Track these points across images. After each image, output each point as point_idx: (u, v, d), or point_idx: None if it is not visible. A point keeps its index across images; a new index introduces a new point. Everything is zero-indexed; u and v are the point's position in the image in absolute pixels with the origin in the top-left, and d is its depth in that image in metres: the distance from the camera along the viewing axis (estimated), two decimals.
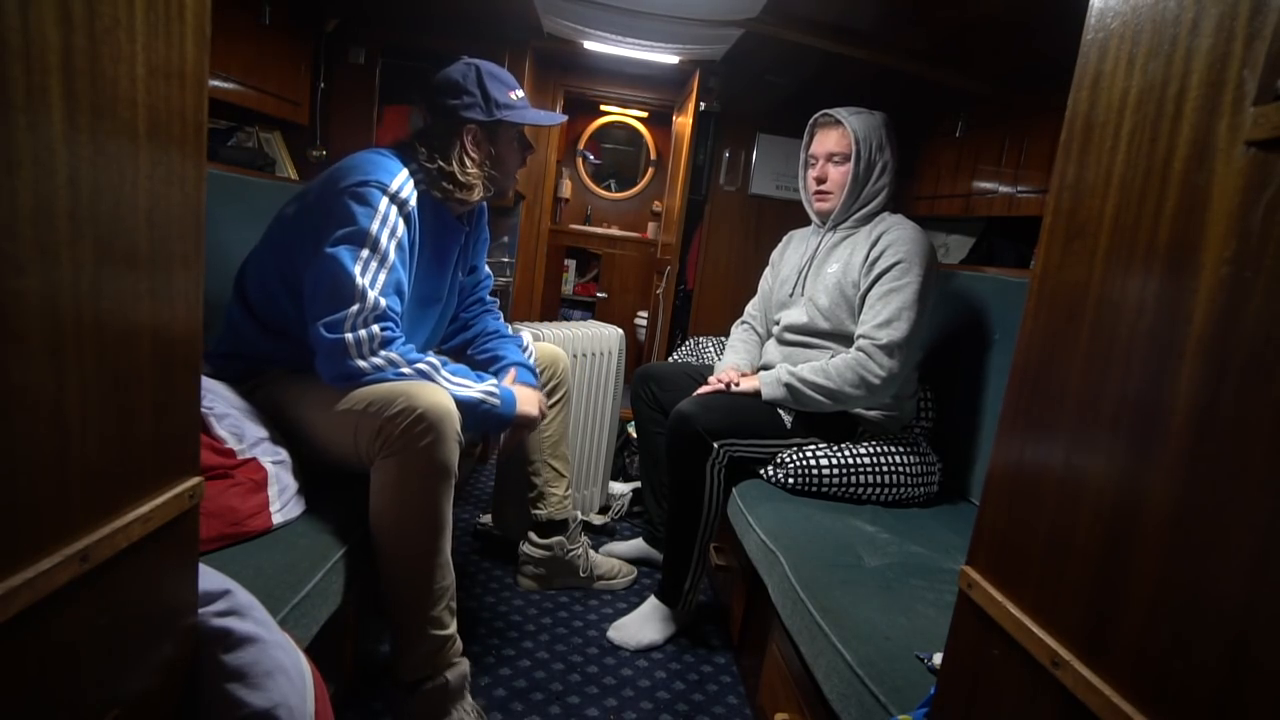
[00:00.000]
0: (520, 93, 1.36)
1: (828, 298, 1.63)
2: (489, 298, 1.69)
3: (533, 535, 1.78)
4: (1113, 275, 0.55)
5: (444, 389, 1.20)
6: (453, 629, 1.23)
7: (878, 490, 1.54)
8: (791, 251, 1.85)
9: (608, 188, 5.02)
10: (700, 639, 1.71)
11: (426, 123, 1.35)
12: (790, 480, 1.52)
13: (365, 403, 1.13)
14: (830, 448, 1.56)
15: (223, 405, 1.14)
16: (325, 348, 1.14)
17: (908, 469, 1.56)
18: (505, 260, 2.92)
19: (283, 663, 0.77)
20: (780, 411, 1.61)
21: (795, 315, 1.71)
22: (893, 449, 1.57)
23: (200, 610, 0.74)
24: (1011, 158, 1.91)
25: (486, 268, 1.68)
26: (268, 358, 1.29)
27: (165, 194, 0.59)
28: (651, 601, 1.69)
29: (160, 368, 0.62)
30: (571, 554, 1.81)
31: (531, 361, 1.59)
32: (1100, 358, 0.55)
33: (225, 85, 1.93)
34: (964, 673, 0.69)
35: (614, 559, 1.95)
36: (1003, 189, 1.94)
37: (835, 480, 1.52)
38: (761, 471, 1.59)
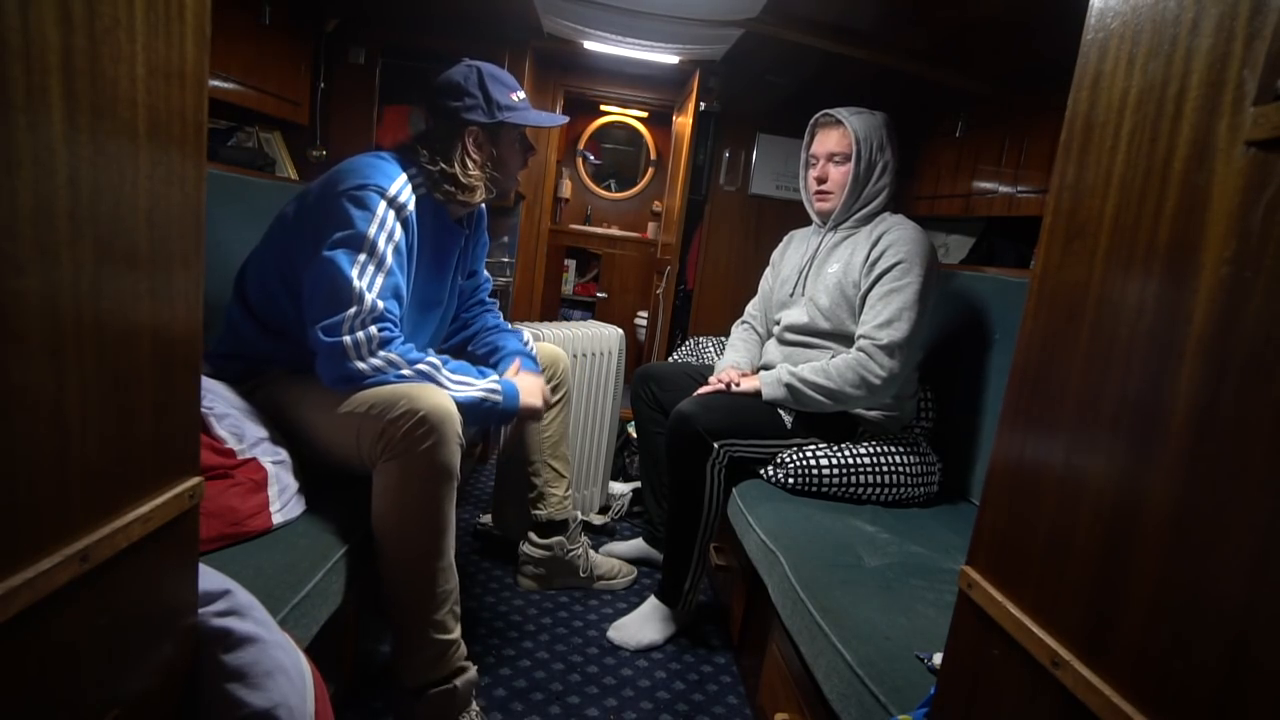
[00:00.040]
0: (521, 94, 1.36)
1: (828, 298, 1.63)
2: (488, 299, 1.70)
3: (533, 535, 1.78)
4: (1113, 275, 0.55)
5: (446, 391, 1.20)
6: (456, 633, 1.23)
7: (878, 490, 1.54)
8: (792, 251, 1.85)
9: (608, 188, 5.02)
10: (700, 639, 1.71)
11: (428, 125, 1.35)
12: (790, 480, 1.52)
13: (367, 405, 1.13)
14: (830, 448, 1.56)
15: (223, 405, 1.14)
16: (324, 351, 1.14)
17: (908, 469, 1.56)
18: (505, 260, 2.92)
19: (283, 663, 0.77)
20: (780, 412, 1.61)
21: (796, 315, 1.71)
22: (893, 449, 1.57)
23: (200, 610, 0.74)
24: (1011, 158, 1.91)
25: (485, 271, 1.69)
26: (268, 358, 1.29)
27: (165, 194, 0.59)
28: (651, 601, 1.69)
29: (160, 368, 0.62)
30: (571, 554, 1.81)
31: (532, 352, 1.60)
32: (1100, 358, 0.55)
33: (225, 85, 1.93)
34: (964, 673, 0.69)
35: (614, 559, 1.95)
36: (1003, 189, 1.94)
37: (835, 480, 1.52)
38: (761, 471, 1.59)
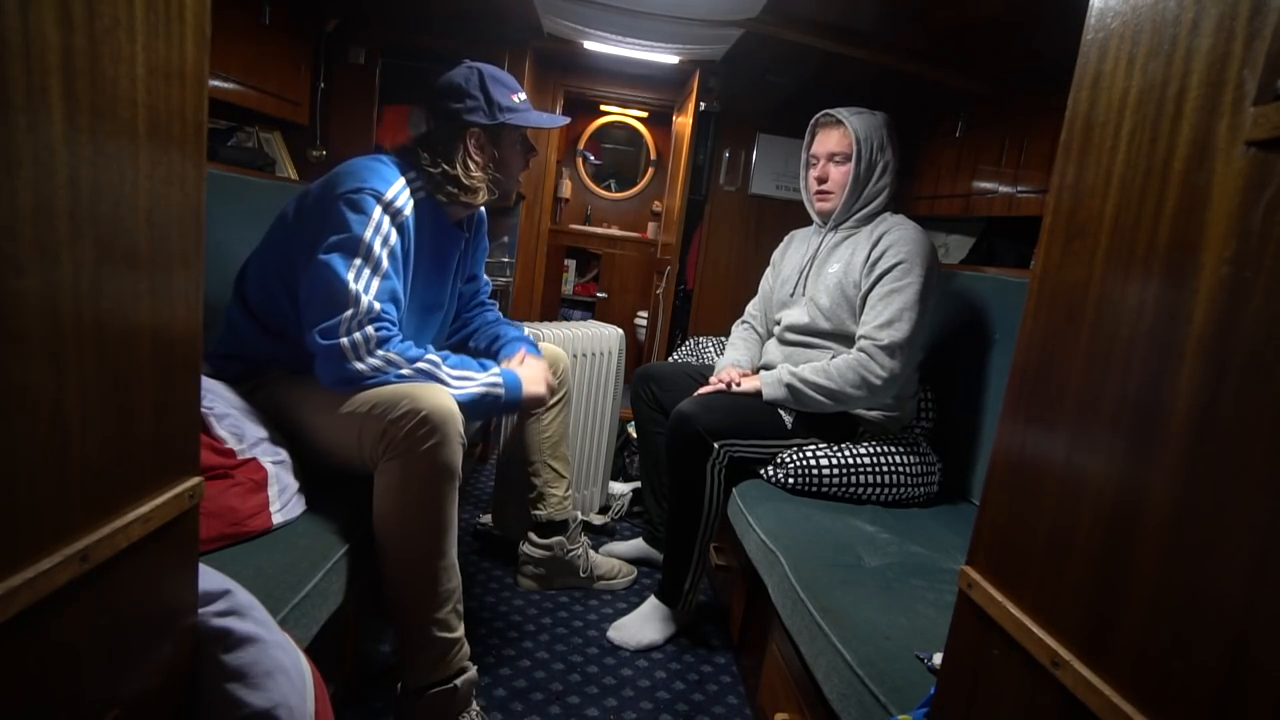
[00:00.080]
0: (522, 95, 1.36)
1: (829, 298, 1.63)
2: (488, 299, 1.71)
3: (533, 535, 1.78)
4: (1113, 275, 0.55)
5: (448, 389, 1.20)
6: (459, 632, 1.23)
7: (878, 490, 1.54)
8: (793, 251, 1.85)
9: (608, 188, 5.02)
10: (700, 639, 1.71)
11: (429, 127, 1.35)
12: (790, 480, 1.52)
13: (369, 405, 1.14)
14: (830, 448, 1.56)
15: (223, 405, 1.14)
16: (322, 353, 1.14)
17: (908, 469, 1.56)
18: (505, 260, 2.92)
19: (283, 663, 0.77)
20: (781, 412, 1.61)
21: (796, 315, 1.71)
22: (893, 449, 1.57)
23: (200, 610, 0.74)
24: (1011, 158, 1.91)
25: (485, 276, 1.70)
26: (268, 358, 1.29)
27: (165, 194, 0.59)
28: (651, 601, 1.69)
29: (160, 368, 0.62)
30: (571, 554, 1.81)
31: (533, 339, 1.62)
32: (1100, 358, 0.55)
33: (225, 85, 1.93)
34: (964, 673, 0.69)
35: (614, 559, 1.95)
36: (1003, 189, 1.94)
37: (835, 480, 1.52)
38: (761, 471, 1.59)
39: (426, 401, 1.12)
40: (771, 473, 1.56)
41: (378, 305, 1.15)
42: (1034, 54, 1.70)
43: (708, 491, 1.57)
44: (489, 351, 1.60)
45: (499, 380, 1.31)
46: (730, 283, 2.77)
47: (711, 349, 2.24)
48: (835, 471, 1.52)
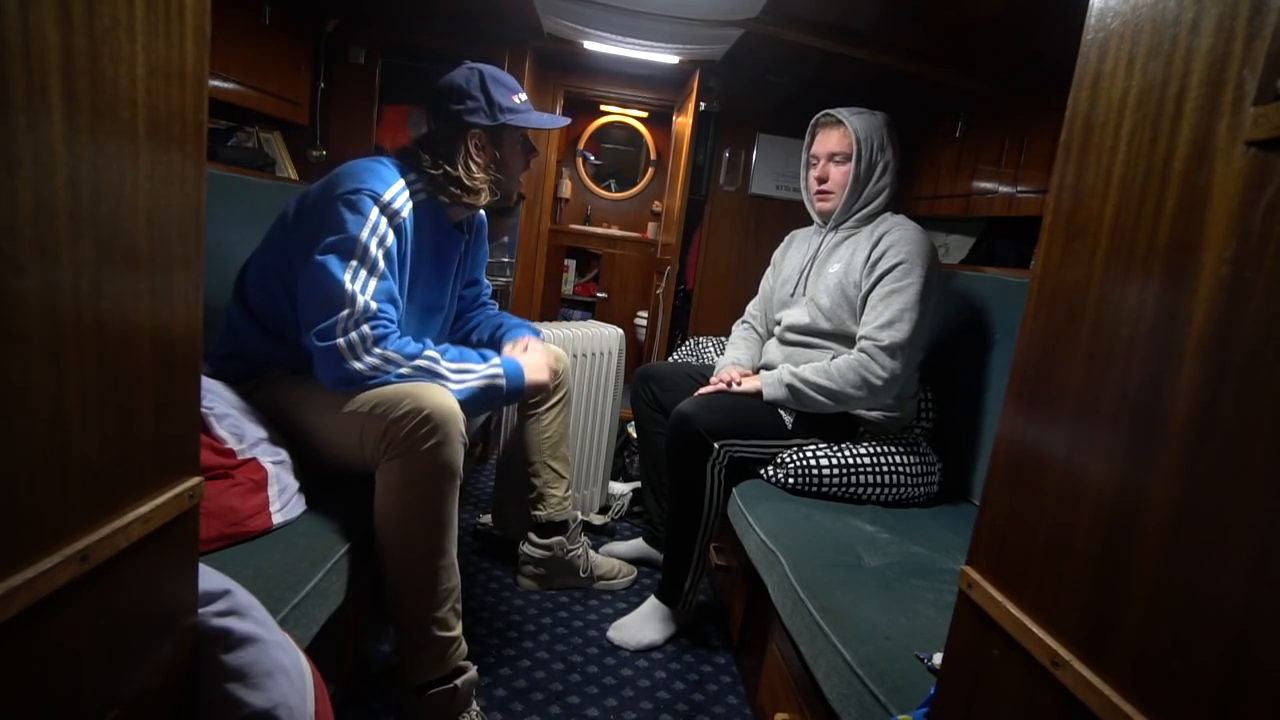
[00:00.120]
0: (523, 96, 1.37)
1: (829, 298, 1.63)
2: (489, 300, 1.72)
3: (533, 535, 1.78)
4: (1113, 275, 0.55)
5: (449, 386, 1.21)
6: (458, 631, 1.23)
7: (878, 490, 1.54)
8: (793, 251, 1.85)
9: (608, 188, 5.02)
10: (700, 639, 1.71)
11: (430, 128, 1.35)
12: (790, 480, 1.52)
13: (371, 405, 1.14)
14: (830, 448, 1.56)
15: (223, 405, 1.14)
16: (320, 355, 1.14)
17: (908, 469, 1.56)
18: (505, 260, 2.92)
19: (283, 663, 0.77)
20: (781, 412, 1.61)
21: (797, 315, 1.71)
22: (893, 449, 1.57)
23: (200, 610, 0.74)
24: (1011, 158, 1.91)
25: (486, 279, 1.71)
26: (268, 359, 1.29)
27: (165, 194, 0.59)
28: (651, 601, 1.69)
29: (160, 368, 0.62)
30: (571, 554, 1.81)
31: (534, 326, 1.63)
32: (1100, 358, 0.55)
33: (225, 85, 1.93)
34: (964, 673, 0.69)
35: (614, 559, 1.95)
36: (1003, 189, 1.94)
37: (835, 480, 1.52)
38: (762, 471, 1.59)
39: (428, 401, 1.12)
40: (771, 473, 1.56)
41: (374, 305, 1.15)
42: (1034, 54, 1.70)
43: (708, 491, 1.57)
44: (492, 340, 1.60)
45: (499, 371, 1.31)
46: (730, 283, 2.77)
47: (711, 349, 2.24)
48: (835, 471, 1.52)
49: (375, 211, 1.18)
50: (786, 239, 1.93)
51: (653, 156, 4.89)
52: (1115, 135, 0.56)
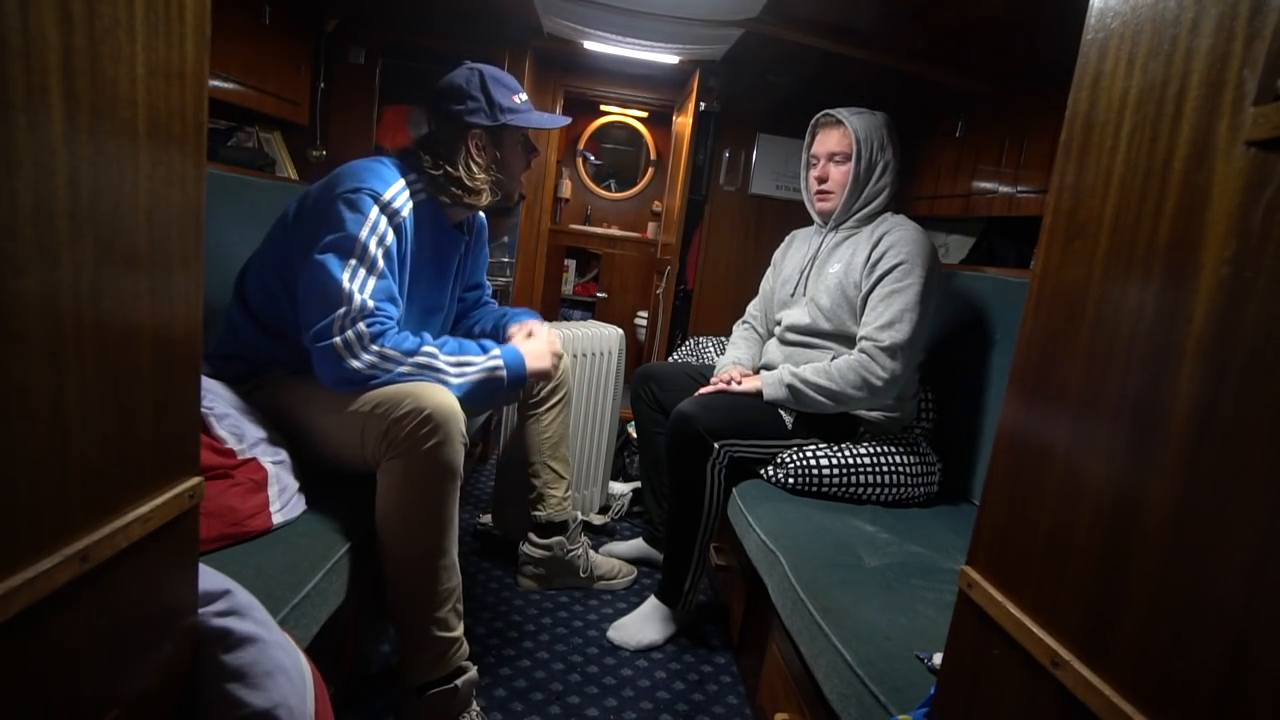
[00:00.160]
0: (523, 96, 1.36)
1: (829, 298, 1.63)
2: (489, 300, 1.72)
3: (533, 535, 1.78)
4: (1113, 275, 0.55)
5: (450, 382, 1.20)
6: (459, 631, 1.23)
7: (878, 490, 1.54)
8: (794, 251, 1.85)
9: (608, 188, 5.02)
10: (700, 639, 1.71)
11: (430, 128, 1.35)
12: (790, 480, 1.52)
13: (372, 404, 1.14)
14: (830, 448, 1.56)
15: (223, 405, 1.14)
16: (318, 355, 1.14)
17: (908, 469, 1.56)
18: (505, 260, 2.92)
19: (283, 663, 0.77)
20: (781, 412, 1.61)
21: (797, 315, 1.71)
22: (892, 449, 1.57)
23: (200, 610, 0.74)
24: (1011, 158, 1.91)
25: (487, 281, 1.71)
26: (267, 359, 1.29)
27: (165, 194, 0.59)
28: (651, 601, 1.69)
29: (160, 368, 0.62)
30: (571, 554, 1.81)
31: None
32: (1100, 358, 0.55)
33: (225, 85, 1.93)
34: (964, 673, 0.69)
35: (614, 559, 1.95)
36: (1003, 189, 1.94)
37: (835, 480, 1.52)
38: (762, 471, 1.59)
39: (429, 400, 1.12)
40: (771, 473, 1.56)
41: (371, 302, 1.15)
42: (1034, 54, 1.70)
43: (708, 491, 1.57)
44: (495, 330, 1.60)
45: (500, 363, 1.30)
46: (730, 283, 2.77)
47: (711, 349, 2.24)
48: (835, 472, 1.52)
49: (375, 211, 1.18)
50: (787, 239, 1.93)
51: (653, 156, 4.89)
52: (1115, 135, 0.56)
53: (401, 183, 1.25)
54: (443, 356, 1.23)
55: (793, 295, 1.74)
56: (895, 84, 2.17)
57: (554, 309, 4.67)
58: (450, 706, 1.23)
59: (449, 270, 1.45)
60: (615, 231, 4.84)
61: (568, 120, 1.56)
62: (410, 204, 1.25)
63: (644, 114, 4.78)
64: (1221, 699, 0.43)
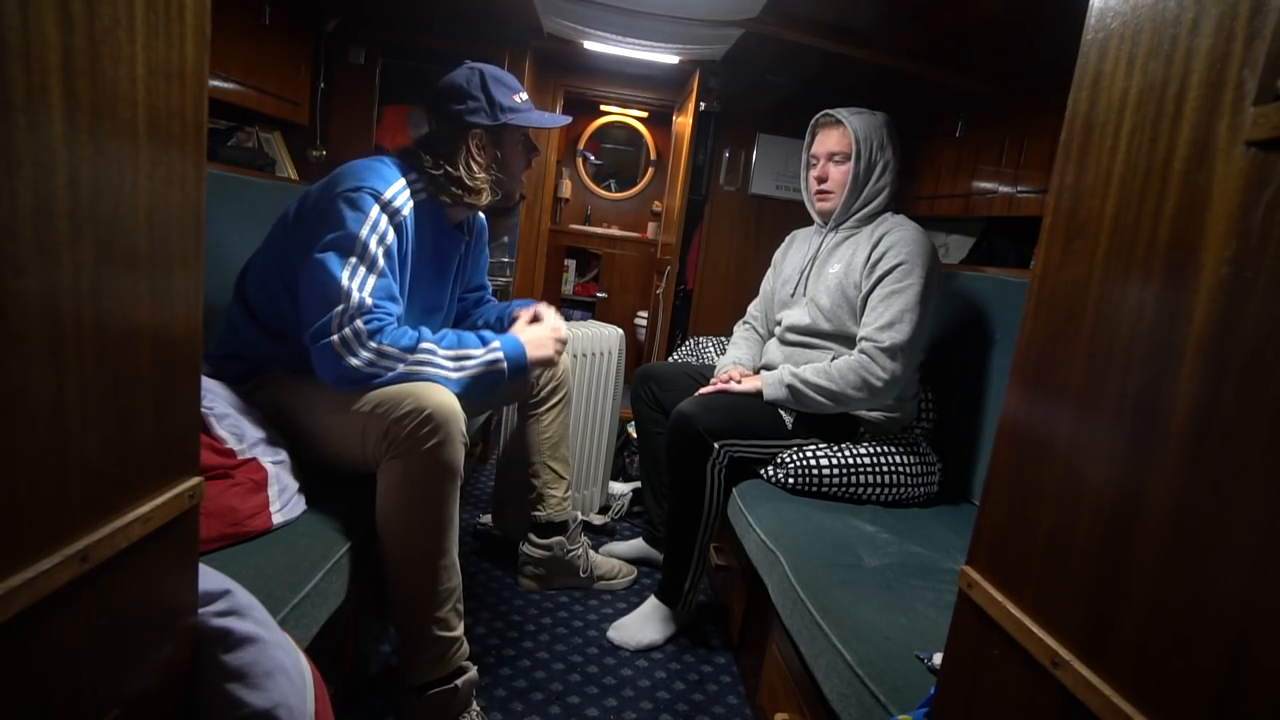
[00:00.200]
0: (524, 95, 1.36)
1: (829, 298, 1.63)
2: (491, 299, 1.73)
3: (533, 536, 1.78)
4: (1113, 275, 0.55)
5: (450, 378, 1.20)
6: (459, 631, 1.23)
7: (878, 490, 1.54)
8: (794, 252, 1.85)
9: (608, 188, 5.02)
10: (700, 639, 1.71)
11: (431, 128, 1.35)
12: (790, 480, 1.52)
13: (372, 404, 1.14)
14: (830, 448, 1.56)
15: (222, 405, 1.14)
16: (317, 353, 1.14)
17: (908, 469, 1.56)
18: (505, 260, 2.92)
19: (283, 663, 0.77)
20: (781, 412, 1.61)
21: (797, 316, 1.71)
22: (892, 449, 1.57)
23: (200, 610, 0.74)
24: (1011, 158, 1.91)
25: (488, 282, 1.72)
26: (267, 359, 1.29)
27: (165, 194, 0.59)
28: (651, 601, 1.69)
29: (160, 368, 0.62)
30: (571, 554, 1.81)
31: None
32: (1100, 358, 0.55)
33: (225, 85, 1.93)
34: (964, 673, 0.69)
35: (614, 559, 1.95)
36: (1003, 189, 1.94)
37: (835, 480, 1.52)
38: (762, 471, 1.59)
39: (429, 400, 1.12)
40: (771, 473, 1.56)
41: (370, 300, 1.15)
42: (1034, 54, 1.70)
43: (708, 491, 1.57)
44: (499, 322, 1.60)
45: (499, 355, 1.29)
46: (730, 283, 2.77)
47: (711, 349, 2.24)
48: (835, 472, 1.52)
49: (376, 209, 1.18)
50: (787, 239, 1.93)
51: (653, 156, 4.89)
52: (1115, 135, 0.56)
53: (402, 182, 1.25)
54: (441, 351, 1.22)
55: (793, 295, 1.74)
56: (895, 84, 2.17)
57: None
58: (450, 706, 1.23)
59: (449, 270, 1.45)
60: (615, 231, 4.84)
61: (568, 119, 1.56)
62: (411, 203, 1.25)
63: (644, 114, 4.78)
64: (1221, 699, 0.43)
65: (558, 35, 2.47)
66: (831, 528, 1.36)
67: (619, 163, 5.04)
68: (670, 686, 1.52)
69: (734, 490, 1.59)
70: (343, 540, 1.12)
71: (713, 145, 2.71)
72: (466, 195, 1.32)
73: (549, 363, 1.43)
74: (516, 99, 1.34)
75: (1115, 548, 0.52)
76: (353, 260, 1.14)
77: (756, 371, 1.77)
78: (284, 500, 1.10)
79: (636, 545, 2.06)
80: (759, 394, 1.61)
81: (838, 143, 1.64)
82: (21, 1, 0.44)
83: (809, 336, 1.68)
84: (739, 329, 1.95)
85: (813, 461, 1.52)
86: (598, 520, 2.26)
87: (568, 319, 3.12)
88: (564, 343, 1.47)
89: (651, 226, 4.79)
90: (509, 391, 1.66)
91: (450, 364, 1.22)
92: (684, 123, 2.74)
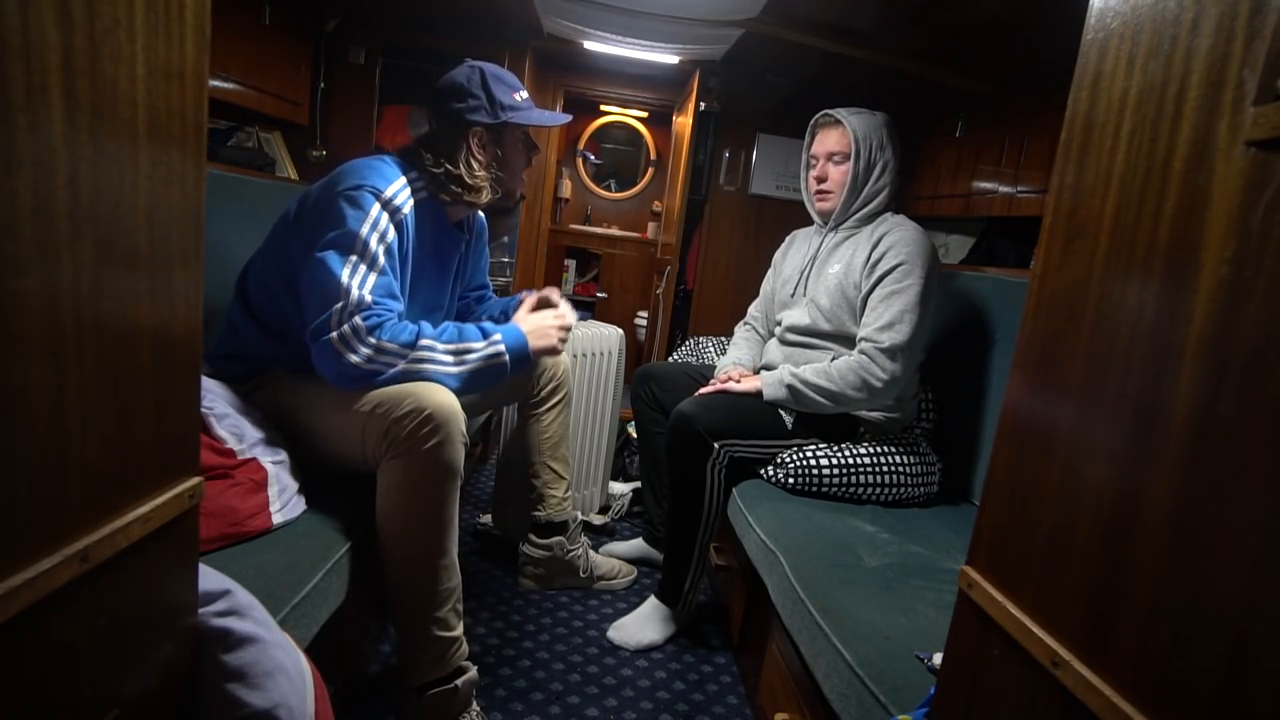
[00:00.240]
0: (524, 94, 1.36)
1: (829, 299, 1.63)
2: (492, 297, 1.73)
3: (533, 536, 1.78)
4: (1113, 275, 0.55)
5: (451, 373, 1.20)
6: (459, 631, 1.23)
7: (878, 490, 1.54)
8: (794, 252, 1.85)
9: (608, 188, 5.02)
10: (700, 639, 1.71)
11: (431, 127, 1.35)
12: (790, 480, 1.52)
13: (372, 404, 1.14)
14: (830, 448, 1.56)
15: (222, 405, 1.14)
16: (317, 351, 1.14)
17: (907, 469, 1.56)
18: (505, 260, 2.92)
19: (283, 663, 0.77)
20: (781, 412, 1.61)
21: (797, 316, 1.71)
22: (893, 449, 1.57)
23: (200, 610, 0.74)
24: (1011, 158, 1.91)
25: (489, 282, 1.72)
26: (268, 359, 1.29)
27: (165, 194, 0.59)
28: (651, 601, 1.69)
29: (160, 368, 0.62)
30: (571, 554, 1.81)
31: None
32: (1100, 358, 0.55)
33: (225, 85, 1.93)
34: (964, 673, 0.69)
35: (614, 559, 1.95)
36: (1003, 189, 1.94)
37: (835, 480, 1.52)
38: (762, 471, 1.59)
39: (430, 400, 1.12)
40: (771, 473, 1.56)
41: (369, 297, 1.14)
42: (1034, 54, 1.70)
43: (708, 491, 1.57)
44: (503, 314, 1.60)
45: (500, 348, 1.28)
46: (730, 283, 2.77)
47: (711, 349, 2.24)
48: (835, 472, 1.52)
49: (376, 208, 1.18)
50: (787, 239, 1.93)
51: (653, 156, 4.89)
52: (1115, 135, 0.56)
53: (403, 180, 1.24)
54: (442, 345, 1.22)
55: (793, 296, 1.74)
56: (895, 84, 2.17)
57: None
58: (450, 706, 1.23)
59: (450, 268, 1.45)
60: (615, 231, 4.84)
61: (569, 118, 1.56)
62: (411, 201, 1.25)
63: (644, 114, 4.78)
64: (1221, 699, 0.43)
65: (558, 35, 2.47)
66: (831, 528, 1.36)
67: (619, 163, 5.03)
68: (670, 686, 1.52)
69: (734, 490, 1.59)
70: (343, 540, 1.12)
71: (713, 145, 2.71)
72: (467, 193, 1.32)
73: (552, 351, 1.42)
74: (517, 97, 1.34)
75: (1115, 547, 0.52)
76: (353, 258, 1.14)
77: (756, 372, 1.77)
78: (284, 500, 1.10)
79: (636, 545, 2.06)
80: (759, 394, 1.61)
81: (837, 143, 1.64)
82: (21, 1, 0.44)
83: (809, 337, 1.68)
84: (739, 330, 1.95)
85: (813, 461, 1.52)
86: (598, 520, 2.26)
87: None
88: (568, 329, 1.46)
89: (651, 226, 4.79)
90: (511, 388, 1.66)
91: (451, 358, 1.22)
92: (684, 123, 2.74)
